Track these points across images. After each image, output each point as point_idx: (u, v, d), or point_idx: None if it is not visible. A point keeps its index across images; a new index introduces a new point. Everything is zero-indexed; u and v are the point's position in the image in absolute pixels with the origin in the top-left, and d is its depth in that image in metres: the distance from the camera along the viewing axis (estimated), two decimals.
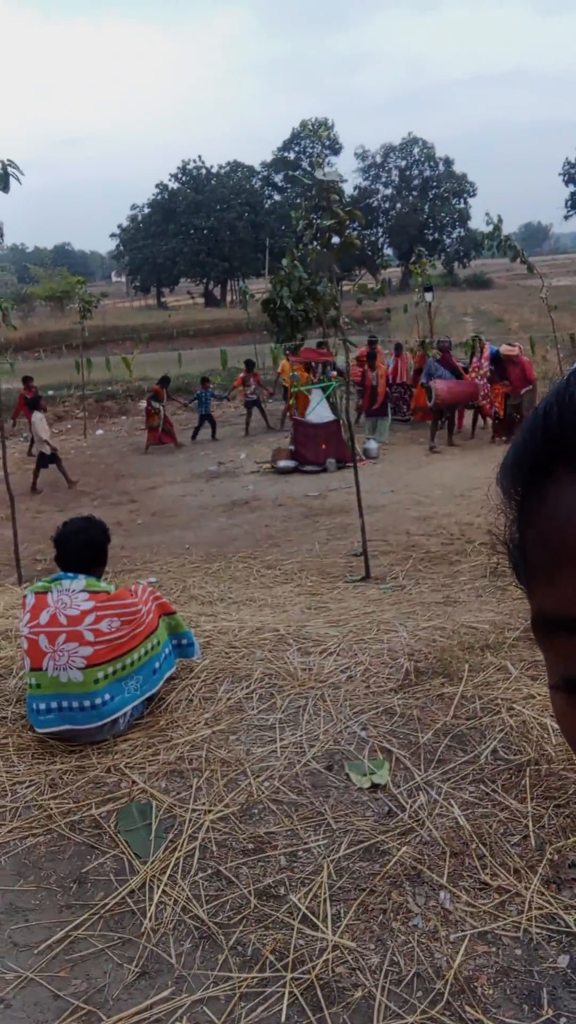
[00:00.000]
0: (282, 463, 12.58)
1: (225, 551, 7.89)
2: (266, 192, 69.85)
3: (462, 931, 2.19)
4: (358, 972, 2.10)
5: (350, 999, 2.02)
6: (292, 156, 69.45)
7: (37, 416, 13.58)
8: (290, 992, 2.05)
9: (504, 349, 13.34)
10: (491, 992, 1.99)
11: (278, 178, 69.71)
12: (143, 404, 17.87)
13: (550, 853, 2.44)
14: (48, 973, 2.18)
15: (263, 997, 2.05)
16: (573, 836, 2.50)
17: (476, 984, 2.02)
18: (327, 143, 63.14)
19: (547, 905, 2.24)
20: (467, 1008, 1.94)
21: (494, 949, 2.12)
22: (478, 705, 3.40)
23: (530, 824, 2.58)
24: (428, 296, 19.94)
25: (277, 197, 68.70)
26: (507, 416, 13.03)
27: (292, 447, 12.89)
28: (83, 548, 3.58)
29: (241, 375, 17.21)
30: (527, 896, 2.28)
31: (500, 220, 14.96)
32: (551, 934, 2.15)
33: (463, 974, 2.05)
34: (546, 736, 3.07)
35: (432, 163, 68.54)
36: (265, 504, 10.33)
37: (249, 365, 17.11)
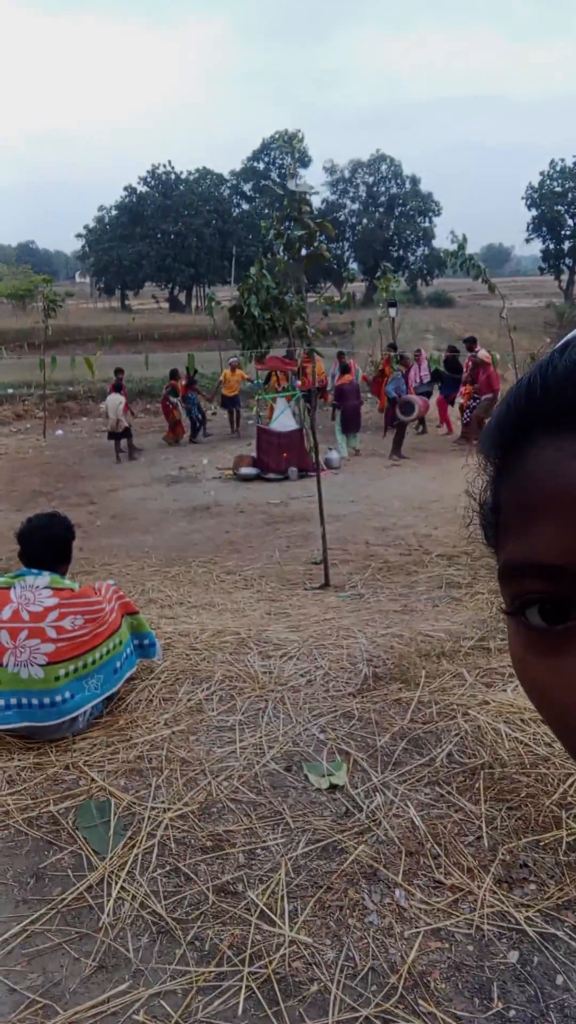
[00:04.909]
0: (244, 470, 12.61)
1: (185, 556, 7.88)
2: (234, 200, 69.97)
3: (416, 927, 2.24)
4: (314, 967, 2.13)
5: (306, 993, 2.05)
6: (262, 166, 69.76)
7: (114, 397, 15.01)
8: (247, 986, 2.07)
9: (480, 354, 14.07)
10: (444, 986, 2.04)
11: (247, 187, 69.92)
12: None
13: (502, 853, 2.50)
14: (4, 967, 2.17)
15: (220, 991, 2.07)
16: (525, 838, 2.57)
17: (429, 979, 2.06)
18: (297, 155, 63.49)
19: (499, 903, 2.30)
20: (420, 1002, 1.99)
21: (447, 945, 2.18)
22: (434, 710, 3.47)
23: (483, 825, 2.65)
24: (392, 311, 20.18)
25: (245, 206, 68.88)
26: (464, 416, 13.94)
27: (255, 454, 12.93)
28: (47, 544, 3.57)
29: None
30: (479, 895, 2.34)
31: (464, 239, 15.27)
32: (502, 931, 2.21)
33: (417, 969, 2.09)
34: (500, 741, 3.15)
35: (399, 181, 69.42)
36: (226, 510, 10.34)
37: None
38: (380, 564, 7.19)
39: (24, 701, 3.33)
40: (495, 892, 2.35)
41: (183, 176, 67.99)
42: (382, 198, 69.26)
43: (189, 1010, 2.00)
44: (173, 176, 67.73)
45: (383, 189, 69.60)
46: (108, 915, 2.35)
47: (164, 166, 67.66)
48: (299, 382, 14.42)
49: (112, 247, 64.31)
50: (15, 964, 2.19)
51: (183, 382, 16.49)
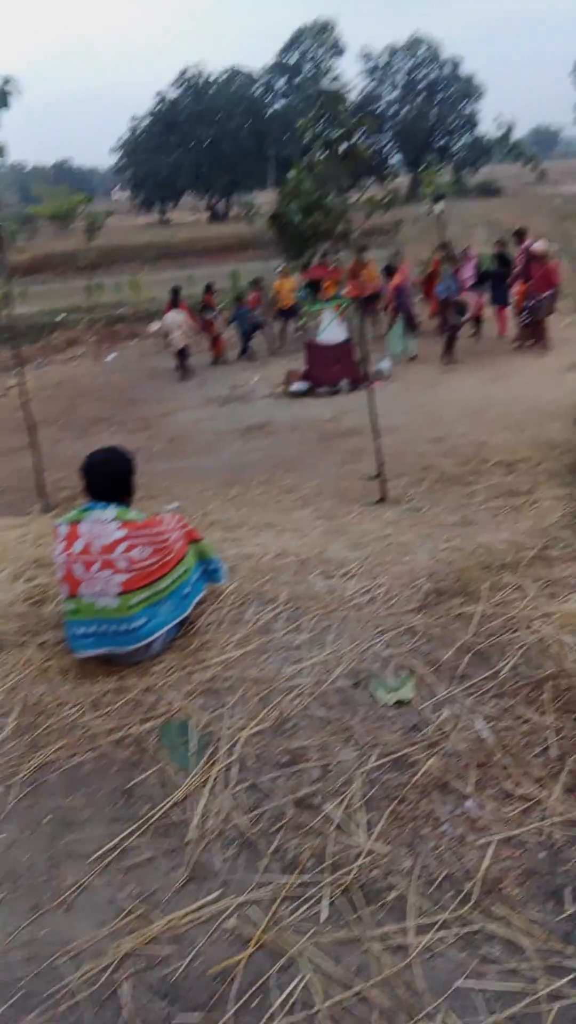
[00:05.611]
0: (295, 386, 12.53)
1: (243, 476, 7.97)
2: (268, 99, 67.09)
3: (488, 836, 2.33)
4: (392, 875, 2.25)
5: (385, 900, 2.18)
6: (293, 60, 66.45)
7: (174, 315, 15.42)
8: (329, 894, 2.21)
9: (536, 246, 12.84)
10: (517, 892, 2.14)
11: (280, 83, 66.89)
12: (155, 326, 17.66)
13: (571, 763, 2.57)
14: (105, 879, 2.35)
15: (303, 899, 2.21)
16: None
17: (503, 885, 2.16)
18: (330, 47, 60.27)
19: (568, 811, 2.38)
20: (495, 907, 2.10)
21: (519, 853, 2.27)
22: (497, 623, 3.51)
23: (551, 736, 2.71)
24: (438, 207, 19.37)
25: (279, 104, 66.03)
26: (522, 317, 13.19)
27: (304, 369, 12.80)
28: (109, 479, 3.65)
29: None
30: (549, 803, 2.42)
31: (511, 126, 14.43)
32: (572, 838, 2.29)
33: (490, 876, 2.19)
34: (564, 652, 3.18)
35: (438, 64, 65.53)
36: (280, 428, 10.34)
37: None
38: (437, 476, 7.16)
39: (103, 629, 3.47)
40: (564, 801, 2.42)
41: (212, 79, 65.26)
42: (422, 84, 65.58)
43: (276, 917, 2.15)
44: (203, 80, 65.09)
45: (422, 75, 65.82)
46: (194, 830, 2.50)
47: (193, 68, 65.06)
48: (345, 290, 14.03)
49: (148, 159, 62.65)
50: (112, 877, 2.36)
51: (249, 295, 16.51)
